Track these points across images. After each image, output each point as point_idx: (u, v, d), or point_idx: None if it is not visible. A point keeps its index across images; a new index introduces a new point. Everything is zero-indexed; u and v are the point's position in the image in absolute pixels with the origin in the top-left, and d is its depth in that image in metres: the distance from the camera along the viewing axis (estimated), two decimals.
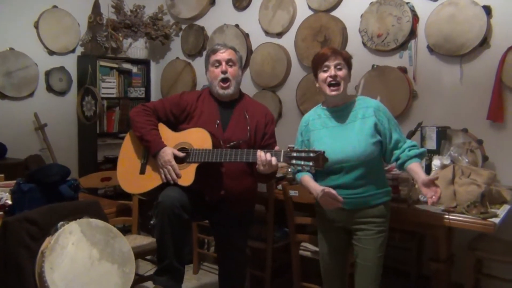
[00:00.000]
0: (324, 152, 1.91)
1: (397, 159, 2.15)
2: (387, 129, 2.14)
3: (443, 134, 2.91)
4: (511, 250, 2.60)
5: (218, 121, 2.31)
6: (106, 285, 1.86)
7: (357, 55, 3.46)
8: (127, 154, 2.41)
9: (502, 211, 2.41)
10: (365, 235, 2.13)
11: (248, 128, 2.30)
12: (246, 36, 4.09)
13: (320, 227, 2.30)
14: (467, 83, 3.04)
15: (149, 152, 2.29)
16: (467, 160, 2.74)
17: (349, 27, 3.51)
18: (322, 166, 1.90)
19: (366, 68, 3.38)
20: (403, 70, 3.26)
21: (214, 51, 2.38)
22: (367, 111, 2.15)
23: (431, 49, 3.14)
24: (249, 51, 4.07)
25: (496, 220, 2.26)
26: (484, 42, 2.93)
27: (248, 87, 4.04)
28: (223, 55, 2.35)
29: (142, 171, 2.32)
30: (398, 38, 3.24)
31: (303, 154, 1.94)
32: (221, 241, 2.47)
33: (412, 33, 3.19)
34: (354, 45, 3.49)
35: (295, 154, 1.96)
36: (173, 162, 2.17)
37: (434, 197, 1.98)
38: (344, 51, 2.30)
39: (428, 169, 2.78)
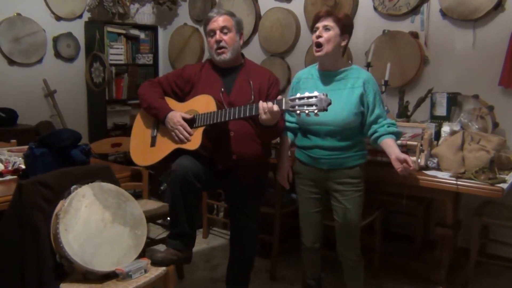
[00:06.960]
0: (326, 94, 1.92)
1: (374, 132, 2.17)
2: (371, 102, 2.16)
3: (454, 100, 2.89)
4: None
5: (222, 89, 2.31)
6: (118, 246, 1.91)
7: (368, 19, 3.41)
8: (138, 131, 2.43)
9: (510, 177, 2.42)
10: (344, 195, 2.22)
11: (252, 92, 2.29)
12: (255, 1, 4.02)
13: (300, 189, 2.37)
14: (480, 48, 2.99)
15: (158, 119, 2.30)
16: (477, 126, 2.72)
17: None
18: (325, 108, 1.91)
19: (376, 33, 3.33)
20: (415, 35, 3.20)
21: (208, 20, 2.33)
22: (357, 81, 2.17)
23: (443, 13, 3.07)
24: (258, 16, 4.01)
25: (504, 186, 2.27)
26: (499, 6, 2.86)
27: (257, 53, 4.01)
28: (216, 23, 2.30)
29: (153, 144, 2.34)
30: (410, 1, 3.17)
31: (305, 100, 1.95)
32: (234, 210, 2.50)
33: None
34: (365, 10, 3.42)
35: (297, 101, 1.97)
36: (183, 122, 2.18)
37: (402, 168, 2.02)
38: (343, 13, 2.24)
39: (437, 136, 2.77)
